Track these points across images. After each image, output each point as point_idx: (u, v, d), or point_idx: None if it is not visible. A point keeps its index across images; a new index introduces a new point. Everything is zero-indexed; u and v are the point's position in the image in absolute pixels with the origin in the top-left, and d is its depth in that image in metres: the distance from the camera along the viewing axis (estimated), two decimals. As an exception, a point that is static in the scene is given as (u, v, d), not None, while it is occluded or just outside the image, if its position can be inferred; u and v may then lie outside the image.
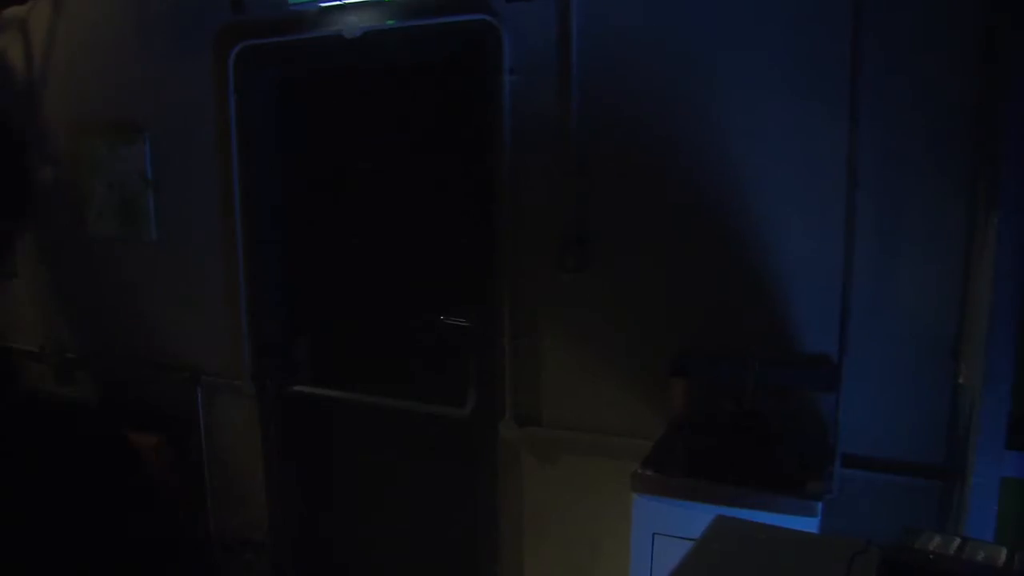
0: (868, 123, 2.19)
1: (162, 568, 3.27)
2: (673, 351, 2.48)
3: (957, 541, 1.42)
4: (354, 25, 2.78)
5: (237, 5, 3.01)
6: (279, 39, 2.97)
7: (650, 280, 2.51)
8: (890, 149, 2.20)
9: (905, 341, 2.26)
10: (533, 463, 2.77)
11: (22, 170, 3.66)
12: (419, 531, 3.11)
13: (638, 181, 2.49)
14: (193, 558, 3.40)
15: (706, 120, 2.37)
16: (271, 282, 3.22)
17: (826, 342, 2.32)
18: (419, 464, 3.09)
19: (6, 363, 3.88)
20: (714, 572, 1.55)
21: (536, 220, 2.62)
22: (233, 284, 3.21)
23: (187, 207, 3.30)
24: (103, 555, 3.04)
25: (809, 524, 2.00)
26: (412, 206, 2.96)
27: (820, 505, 2.00)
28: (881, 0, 2.14)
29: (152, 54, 3.29)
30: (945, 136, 2.14)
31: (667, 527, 2.14)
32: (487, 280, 2.72)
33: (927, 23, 2.13)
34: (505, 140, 2.60)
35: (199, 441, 3.39)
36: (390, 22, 2.74)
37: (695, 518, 2.08)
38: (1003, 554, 1.37)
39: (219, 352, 3.31)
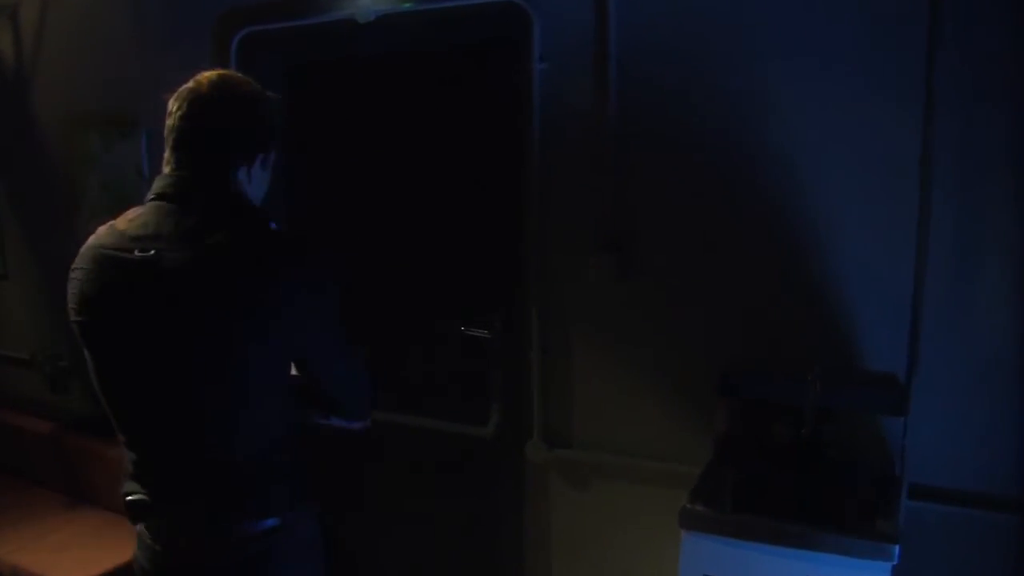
0: (945, 119, 1.95)
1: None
2: (720, 367, 2.25)
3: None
4: (368, 9, 2.54)
5: (240, -12, 2.78)
6: (285, 24, 2.74)
7: (695, 288, 2.27)
8: (969, 148, 1.97)
9: (982, 360, 2.03)
10: (562, 488, 2.54)
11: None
12: (436, 560, 2.88)
13: (682, 180, 2.25)
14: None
15: (760, 115, 2.14)
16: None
17: (893, 360, 2.08)
18: (437, 487, 2.86)
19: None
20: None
21: (568, 221, 2.39)
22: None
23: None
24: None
25: (882, 570, 1.78)
26: (431, 206, 2.73)
27: (897, 549, 1.77)
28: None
29: (149, 43, 3.08)
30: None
31: (720, 568, 1.93)
32: (513, 287, 2.49)
33: (1013, 8, 1.89)
34: (534, 134, 2.37)
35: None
36: (407, 5, 2.50)
37: (751, 558, 1.89)
38: None
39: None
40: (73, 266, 1.48)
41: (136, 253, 1.39)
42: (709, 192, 2.22)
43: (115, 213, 1.50)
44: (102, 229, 1.49)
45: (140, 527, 1.54)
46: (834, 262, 2.12)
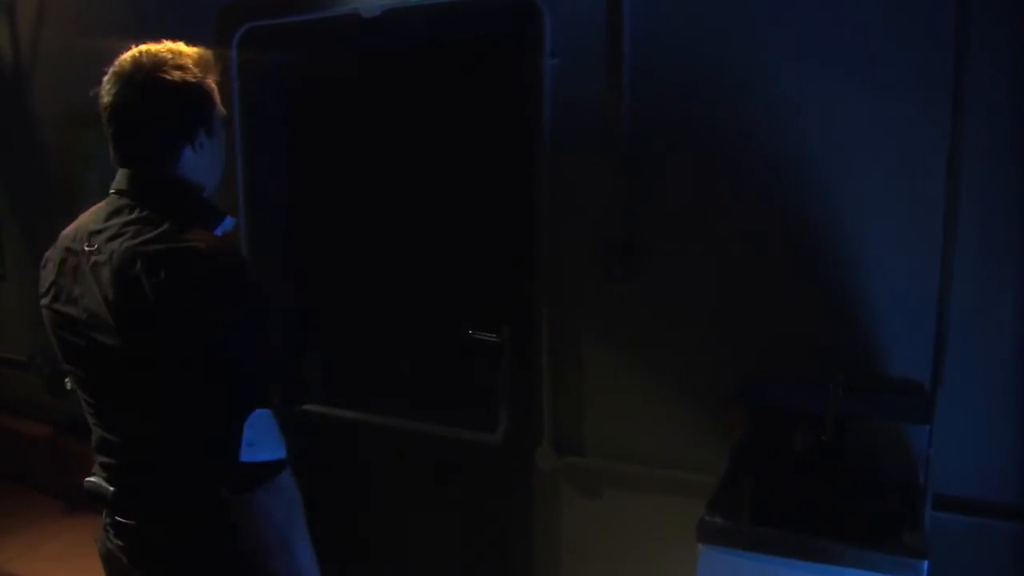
0: (973, 121, 1.88)
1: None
2: (737, 373, 2.18)
3: None
4: (372, 3, 2.47)
5: (241, -17, 2.71)
6: (287, 20, 2.66)
7: (710, 292, 2.20)
8: (997, 151, 1.89)
9: (1009, 366, 1.96)
10: (573, 497, 2.46)
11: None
12: (442, 570, 2.81)
13: (698, 181, 2.18)
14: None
15: (780, 115, 2.06)
16: (277, 290, 2.92)
17: (918, 366, 2.01)
18: (443, 495, 2.79)
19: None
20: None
21: (579, 223, 2.32)
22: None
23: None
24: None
25: (910, 585, 1.71)
26: (437, 207, 2.66)
27: (926, 565, 1.70)
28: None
29: (147, 38, 2.98)
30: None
31: (739, 583, 1.85)
32: (523, 289, 2.42)
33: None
34: (544, 133, 2.30)
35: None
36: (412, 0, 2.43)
37: (772, 573, 1.82)
38: None
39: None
40: (45, 256, 1.55)
41: (85, 247, 1.43)
42: (726, 193, 2.15)
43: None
44: (78, 220, 1.53)
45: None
46: (856, 266, 2.04)
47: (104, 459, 1.51)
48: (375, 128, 2.72)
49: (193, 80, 1.48)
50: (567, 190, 2.31)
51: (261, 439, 1.35)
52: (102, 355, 1.40)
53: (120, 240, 1.37)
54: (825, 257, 2.06)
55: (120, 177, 1.46)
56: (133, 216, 1.40)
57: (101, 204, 1.49)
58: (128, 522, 1.48)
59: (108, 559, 1.56)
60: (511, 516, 2.57)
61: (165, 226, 1.37)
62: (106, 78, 1.49)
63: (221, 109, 1.55)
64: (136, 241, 1.36)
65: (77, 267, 1.44)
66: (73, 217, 3.08)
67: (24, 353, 3.57)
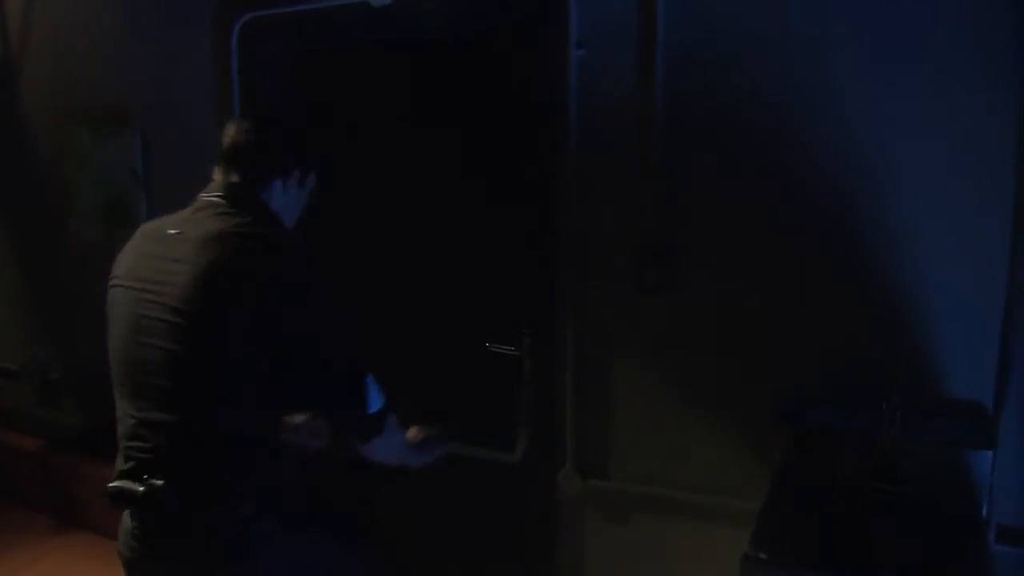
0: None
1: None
2: (779, 391, 2.01)
3: None
4: (383, -9, 2.30)
5: (241, -31, 2.56)
6: (292, 9, 2.49)
7: (752, 304, 2.03)
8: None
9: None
10: (598, 522, 2.30)
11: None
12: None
13: (738, 183, 2.01)
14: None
15: (830, 111, 1.90)
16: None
17: (980, 387, 1.85)
18: (458, 518, 2.62)
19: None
20: None
21: (608, 229, 2.15)
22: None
23: (184, 208, 2.83)
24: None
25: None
26: (454, 210, 2.48)
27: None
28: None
29: (143, 30, 2.85)
30: None
31: (787, 624, 1.69)
32: (546, 301, 2.25)
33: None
34: (570, 129, 2.13)
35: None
36: (426, -13, 2.27)
37: (824, 613, 1.66)
38: None
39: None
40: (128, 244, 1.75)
41: (169, 231, 1.64)
42: (769, 197, 1.98)
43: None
44: (162, 217, 1.74)
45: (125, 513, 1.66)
46: (913, 275, 1.87)
47: (141, 456, 1.58)
48: (386, 126, 2.56)
49: (302, 134, 1.85)
50: (594, 192, 2.15)
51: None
52: (172, 333, 1.54)
53: (205, 224, 1.59)
54: (879, 265, 1.90)
55: (214, 184, 1.71)
56: (219, 210, 1.63)
57: (189, 207, 1.70)
58: (169, 515, 1.56)
59: (132, 563, 1.65)
60: (531, 542, 2.41)
61: (249, 218, 1.62)
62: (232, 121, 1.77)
63: (314, 178, 1.83)
64: (220, 224, 1.58)
65: (158, 250, 1.62)
66: (66, 219, 2.89)
67: (15, 362, 3.41)
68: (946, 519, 1.84)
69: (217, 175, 1.73)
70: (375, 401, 1.70)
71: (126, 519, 1.65)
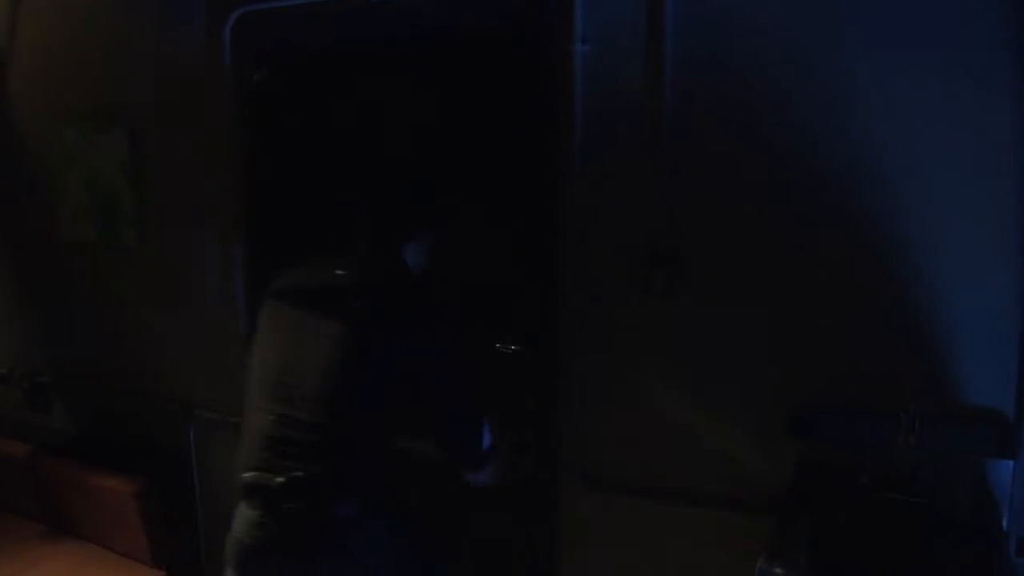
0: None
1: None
2: (791, 400, 1.94)
3: None
4: (381, -15, 2.23)
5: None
6: (285, 4, 2.42)
7: (762, 308, 1.96)
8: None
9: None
10: (604, 538, 2.22)
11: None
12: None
13: (749, 183, 1.94)
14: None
15: (846, 111, 1.82)
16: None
17: (999, 394, 1.78)
18: (450, 530, 2.54)
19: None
20: None
21: (614, 231, 2.08)
22: (231, 299, 2.68)
23: (176, 208, 2.77)
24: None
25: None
26: (455, 210, 2.39)
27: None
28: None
29: (133, 26, 2.76)
30: None
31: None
32: (548, 305, 2.17)
33: None
34: (575, 128, 2.05)
35: (191, 488, 2.86)
36: (425, -19, 2.19)
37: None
38: None
39: (215, 382, 2.78)
40: None
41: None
42: (781, 198, 1.91)
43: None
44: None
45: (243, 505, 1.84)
46: (930, 279, 1.80)
47: (280, 449, 1.77)
48: (385, 122, 2.48)
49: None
50: (600, 193, 2.07)
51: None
52: (332, 346, 1.79)
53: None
54: (895, 269, 1.82)
55: None
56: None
57: None
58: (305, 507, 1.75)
59: (253, 549, 1.81)
60: (531, 558, 2.33)
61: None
62: None
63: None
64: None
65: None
66: (55, 220, 2.79)
67: (3, 365, 3.33)
68: (965, 531, 1.78)
69: None
70: (487, 437, 1.94)
71: (246, 509, 1.83)
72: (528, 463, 2.24)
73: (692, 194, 1.98)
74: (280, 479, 1.75)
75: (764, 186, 1.92)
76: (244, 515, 1.83)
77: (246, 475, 1.82)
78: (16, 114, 3.11)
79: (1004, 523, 1.77)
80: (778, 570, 1.64)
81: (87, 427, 3.15)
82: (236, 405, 2.67)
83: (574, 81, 2.03)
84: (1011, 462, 1.77)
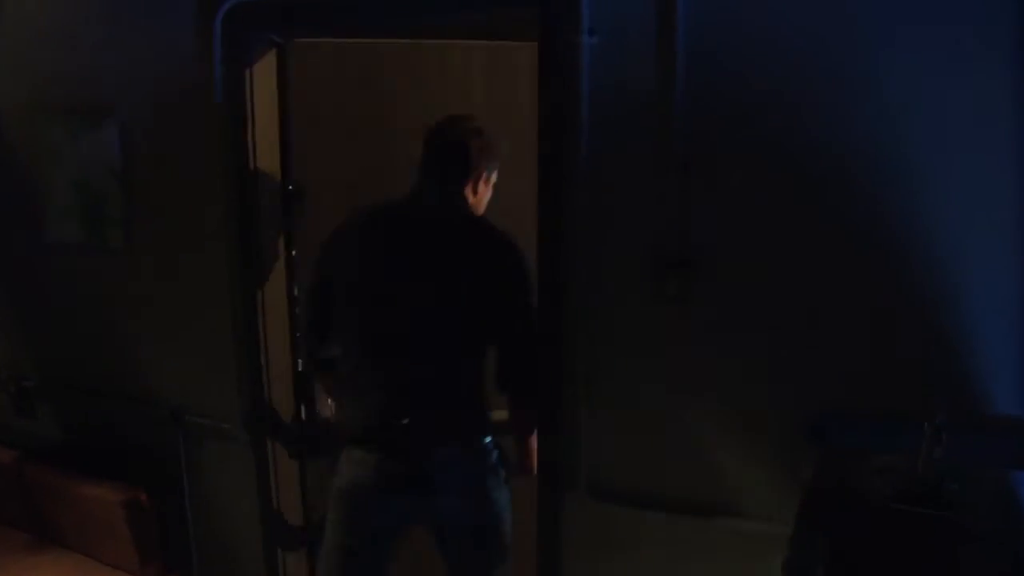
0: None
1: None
2: (808, 408, 1.86)
3: None
4: (378, -26, 2.13)
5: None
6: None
7: (780, 313, 1.87)
8: None
9: None
10: (611, 550, 2.14)
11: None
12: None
13: (765, 182, 1.85)
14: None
15: (868, 106, 1.74)
16: (270, 301, 2.58)
17: (1029, 403, 1.70)
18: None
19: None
20: None
21: (624, 232, 1.99)
22: (222, 302, 2.58)
23: (166, 208, 2.67)
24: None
25: None
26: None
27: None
28: None
29: (120, 17, 2.66)
30: None
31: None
32: (552, 309, 2.08)
33: None
34: (581, 124, 1.96)
35: (182, 498, 2.76)
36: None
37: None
38: None
39: (205, 386, 2.69)
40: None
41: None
42: (799, 198, 1.83)
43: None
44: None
45: (351, 451, 2.10)
46: (956, 284, 1.72)
47: (400, 398, 2.05)
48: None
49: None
50: (607, 193, 1.98)
51: None
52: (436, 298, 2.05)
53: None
54: (919, 272, 1.74)
55: None
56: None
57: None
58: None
59: (370, 491, 2.07)
60: (535, 570, 2.24)
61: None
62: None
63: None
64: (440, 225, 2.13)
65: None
66: (42, 220, 2.68)
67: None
68: (993, 547, 1.70)
69: None
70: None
71: (363, 454, 2.07)
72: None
73: (705, 194, 1.89)
74: (399, 423, 2.01)
75: (781, 185, 1.83)
76: (360, 459, 2.07)
77: (367, 422, 2.07)
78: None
79: (1032, 538, 1.70)
80: (798, 589, 1.56)
81: (74, 433, 3.05)
82: (229, 410, 2.62)
83: (580, 74, 1.94)
84: (1040, 474, 1.69)
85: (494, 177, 2.20)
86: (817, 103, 1.78)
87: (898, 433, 1.75)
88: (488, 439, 2.11)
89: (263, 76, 2.47)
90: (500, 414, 2.18)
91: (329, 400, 2.48)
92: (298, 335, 2.40)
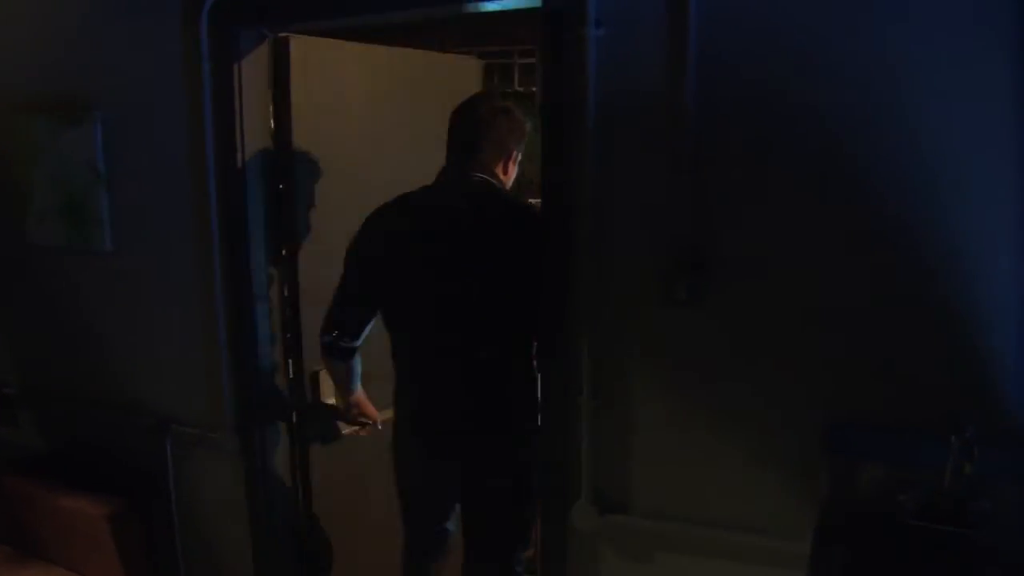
0: None
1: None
2: (825, 417, 1.77)
3: None
4: (372, -36, 2.03)
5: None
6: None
7: (797, 318, 1.78)
8: None
9: None
10: (616, 564, 2.04)
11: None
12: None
13: (782, 181, 1.76)
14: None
15: (890, 100, 1.65)
16: (260, 305, 2.48)
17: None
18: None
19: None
20: None
21: (632, 233, 1.90)
22: (210, 306, 2.48)
23: (151, 208, 2.57)
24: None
25: None
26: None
27: None
28: None
29: (102, 10, 2.55)
30: None
31: None
32: (558, 312, 1.99)
33: None
34: (588, 119, 1.86)
35: (169, 510, 2.66)
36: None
37: None
38: None
39: (193, 394, 2.59)
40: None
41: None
42: (817, 196, 1.73)
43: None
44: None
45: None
46: (987, 284, 1.63)
47: (443, 378, 2.14)
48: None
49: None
50: (616, 192, 1.88)
51: None
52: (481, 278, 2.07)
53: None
54: (950, 276, 1.65)
55: None
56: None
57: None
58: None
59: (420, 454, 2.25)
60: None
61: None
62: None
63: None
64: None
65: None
66: (21, 220, 2.57)
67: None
68: (1018, 569, 1.62)
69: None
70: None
71: (407, 436, 2.23)
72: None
73: (719, 192, 1.79)
74: (447, 409, 2.13)
75: (800, 183, 1.74)
76: (407, 440, 2.24)
77: (417, 408, 2.19)
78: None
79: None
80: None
81: (57, 442, 2.94)
82: (217, 418, 2.52)
83: (587, 68, 1.84)
84: (1072, 488, 1.60)
85: (520, 156, 2.20)
86: (843, 100, 1.68)
87: (922, 446, 1.66)
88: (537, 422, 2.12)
89: (253, 72, 2.36)
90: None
91: (337, 388, 2.44)
92: (328, 319, 2.23)
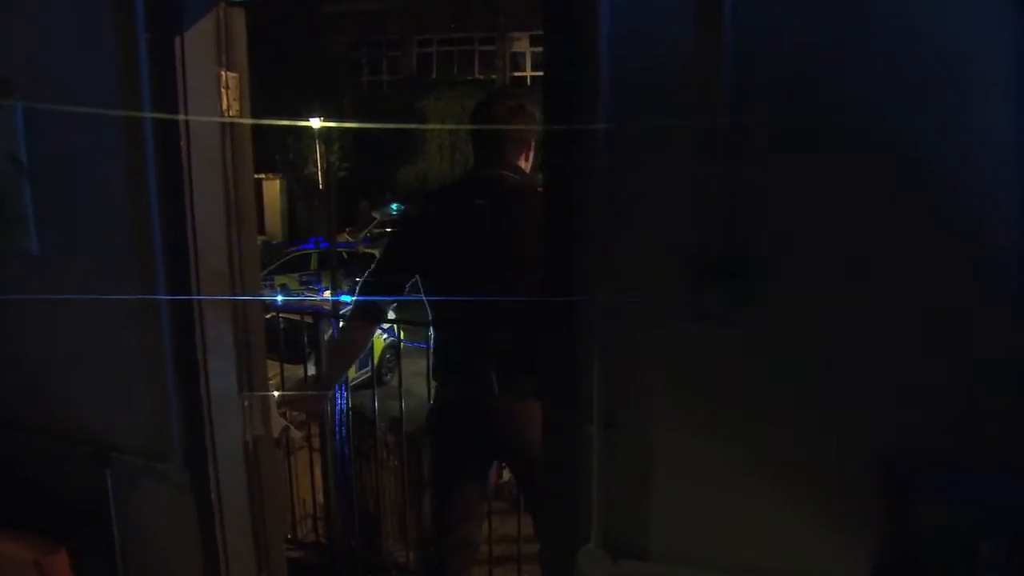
0: None
1: None
2: (879, 454, 1.52)
3: None
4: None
5: None
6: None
7: (851, 337, 1.52)
8: None
9: None
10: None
11: None
12: None
13: (829, 179, 1.50)
14: None
15: (955, 86, 1.40)
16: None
17: None
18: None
19: None
20: None
21: (652, 235, 1.62)
22: (153, 316, 2.16)
23: (83, 205, 2.24)
24: None
25: None
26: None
27: None
28: None
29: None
30: None
31: None
32: (564, 330, 1.71)
33: None
34: (602, 101, 1.57)
35: (110, 551, 2.34)
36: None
37: None
38: None
39: (136, 419, 2.27)
40: None
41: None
42: (868, 197, 1.48)
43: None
44: None
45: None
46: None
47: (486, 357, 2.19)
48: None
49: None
50: (632, 189, 1.60)
51: None
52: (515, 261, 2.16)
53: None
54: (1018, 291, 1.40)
55: None
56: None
57: None
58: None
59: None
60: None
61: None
62: None
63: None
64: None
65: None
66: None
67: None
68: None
69: None
70: None
71: (445, 413, 2.34)
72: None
73: (756, 186, 1.52)
74: (485, 389, 2.19)
75: (852, 178, 1.48)
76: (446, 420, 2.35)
77: (457, 387, 2.30)
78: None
79: None
80: None
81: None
82: (165, 447, 2.21)
83: (600, 43, 1.55)
84: None
85: (535, 142, 2.34)
86: (900, 85, 1.42)
87: (1005, 488, 1.42)
88: None
89: (199, 43, 2.04)
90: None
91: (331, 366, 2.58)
92: (365, 284, 2.35)
